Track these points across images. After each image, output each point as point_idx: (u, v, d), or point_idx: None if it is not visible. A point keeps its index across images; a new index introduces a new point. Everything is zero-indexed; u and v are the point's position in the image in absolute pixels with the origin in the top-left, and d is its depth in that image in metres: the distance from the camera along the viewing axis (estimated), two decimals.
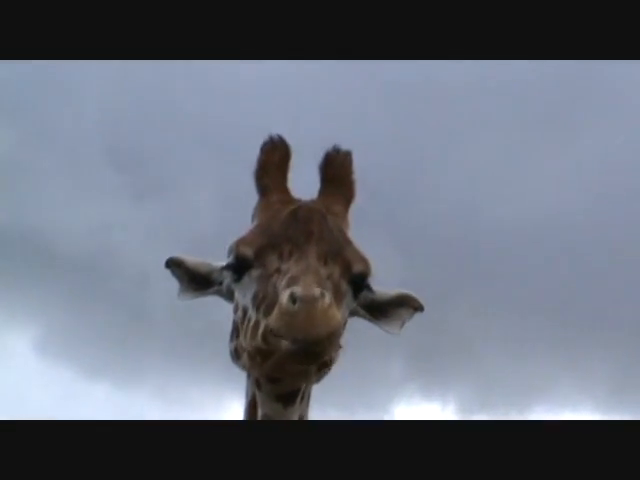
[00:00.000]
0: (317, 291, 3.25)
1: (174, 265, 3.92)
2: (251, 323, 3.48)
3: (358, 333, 3.70)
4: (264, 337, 3.39)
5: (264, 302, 3.44)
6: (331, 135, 3.89)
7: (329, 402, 3.77)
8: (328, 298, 3.25)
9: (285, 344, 3.29)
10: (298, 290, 3.25)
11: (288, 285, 3.32)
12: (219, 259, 3.93)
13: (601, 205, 16.45)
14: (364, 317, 3.79)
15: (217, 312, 4.03)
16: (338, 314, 3.33)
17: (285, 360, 3.36)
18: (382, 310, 3.80)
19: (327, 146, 3.84)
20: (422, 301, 3.82)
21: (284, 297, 3.26)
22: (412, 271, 4.14)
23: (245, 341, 3.50)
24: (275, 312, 3.30)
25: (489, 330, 14.48)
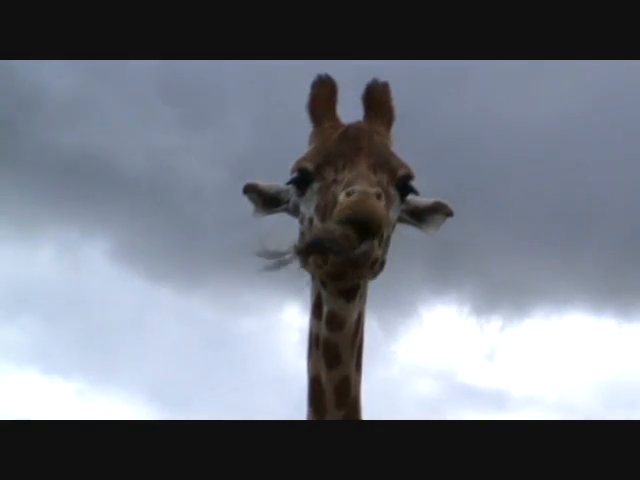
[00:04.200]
0: (372, 189, 3.36)
1: (250, 190, 4.00)
2: None
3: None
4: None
5: (327, 209, 3.50)
6: (366, 71, 3.88)
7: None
8: (382, 199, 3.37)
9: (335, 258, 3.36)
10: (354, 187, 3.36)
11: (344, 188, 3.41)
12: (261, 178, 4.00)
13: (598, 114, 16.03)
14: (408, 222, 3.89)
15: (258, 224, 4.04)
16: (387, 212, 3.45)
17: (337, 268, 3.46)
18: (422, 216, 3.90)
19: (367, 80, 3.85)
20: (452, 208, 3.92)
21: (341, 196, 3.37)
22: (430, 183, 4.11)
23: None
24: (335, 209, 3.38)
25: (497, 236, 14.38)
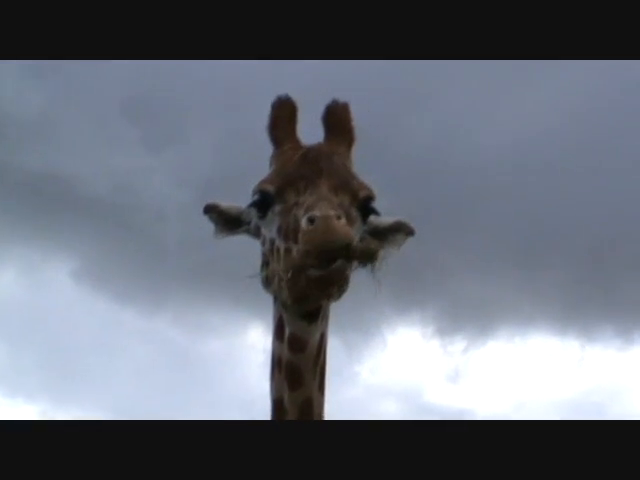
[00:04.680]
0: (332, 212, 3.36)
1: (210, 210, 3.98)
2: (281, 251, 3.54)
3: None
4: (294, 260, 3.44)
5: (288, 231, 3.51)
6: (329, 89, 3.89)
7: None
8: (342, 218, 3.36)
9: (312, 272, 3.36)
10: (315, 212, 3.35)
11: (306, 212, 3.41)
12: (225, 198, 3.98)
13: (560, 137, 16.17)
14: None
15: (222, 245, 4.02)
16: (352, 231, 3.45)
17: (310, 285, 3.43)
18: (383, 235, 3.87)
19: (327, 100, 3.87)
20: (413, 227, 3.91)
21: (303, 222, 3.36)
22: (395, 202, 4.13)
23: (278, 266, 3.54)
24: (299, 238, 3.38)
25: (461, 258, 14.46)
